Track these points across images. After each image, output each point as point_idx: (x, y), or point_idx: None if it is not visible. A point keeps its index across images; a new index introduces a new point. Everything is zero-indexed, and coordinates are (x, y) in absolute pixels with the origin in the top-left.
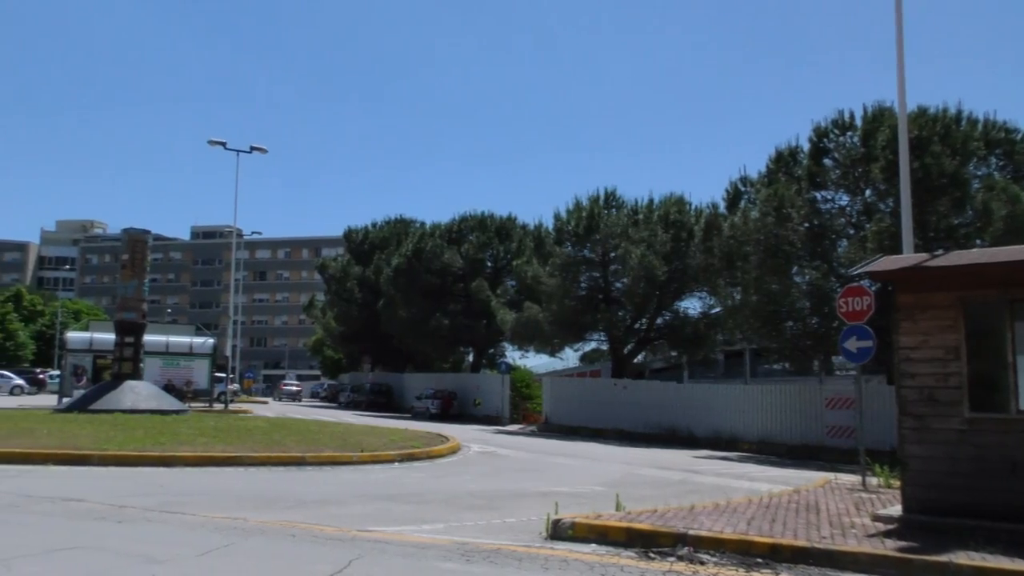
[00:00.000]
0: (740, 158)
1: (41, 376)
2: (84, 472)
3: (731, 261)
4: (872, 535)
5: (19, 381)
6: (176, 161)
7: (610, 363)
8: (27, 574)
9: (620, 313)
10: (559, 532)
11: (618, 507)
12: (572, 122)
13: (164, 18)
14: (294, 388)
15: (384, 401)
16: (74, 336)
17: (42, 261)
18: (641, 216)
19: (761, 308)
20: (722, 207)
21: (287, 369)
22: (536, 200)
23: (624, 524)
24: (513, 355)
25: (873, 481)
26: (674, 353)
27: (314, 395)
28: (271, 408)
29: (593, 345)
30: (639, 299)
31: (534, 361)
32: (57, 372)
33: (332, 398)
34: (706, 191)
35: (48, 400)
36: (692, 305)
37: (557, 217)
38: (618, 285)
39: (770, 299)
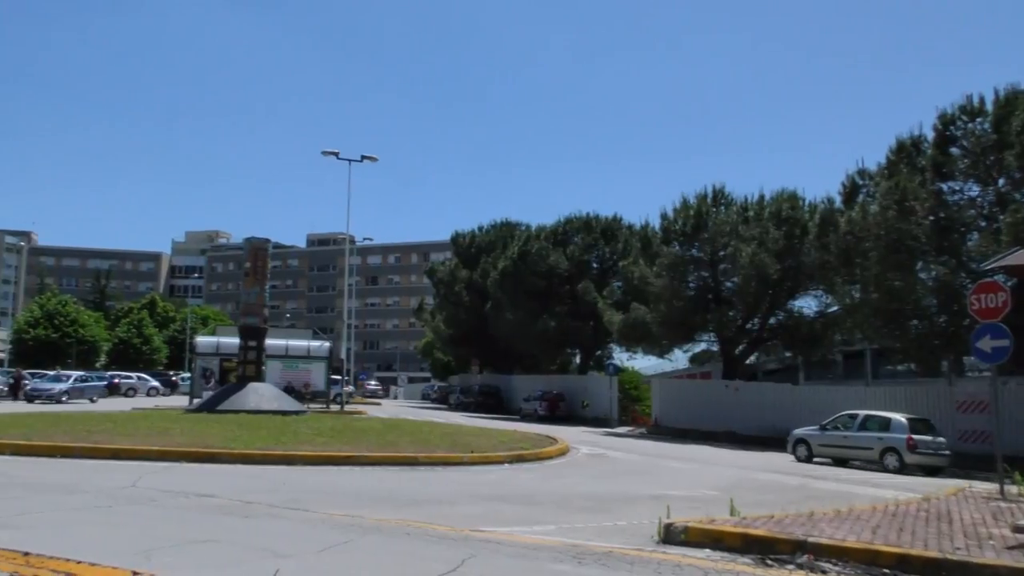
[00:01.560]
0: (856, 151)
1: (174, 378)
2: (214, 469)
3: (849, 258)
4: (1012, 547)
5: (155, 383)
6: (292, 172)
7: (721, 364)
8: (165, 564)
9: (731, 313)
10: (671, 536)
11: (732, 512)
12: (680, 119)
13: (278, 34)
14: (374, 386)
15: (493, 403)
16: (202, 341)
17: (173, 270)
18: (752, 213)
19: (883, 306)
20: (838, 202)
21: (398, 372)
22: (642, 200)
23: (740, 529)
24: (621, 356)
25: (1012, 489)
26: (788, 354)
27: (424, 396)
28: (384, 409)
29: (703, 346)
30: (750, 298)
31: (642, 363)
32: (188, 375)
33: (442, 400)
34: (820, 186)
35: (180, 401)
36: (807, 304)
37: (664, 216)
38: (728, 284)
39: (892, 297)
